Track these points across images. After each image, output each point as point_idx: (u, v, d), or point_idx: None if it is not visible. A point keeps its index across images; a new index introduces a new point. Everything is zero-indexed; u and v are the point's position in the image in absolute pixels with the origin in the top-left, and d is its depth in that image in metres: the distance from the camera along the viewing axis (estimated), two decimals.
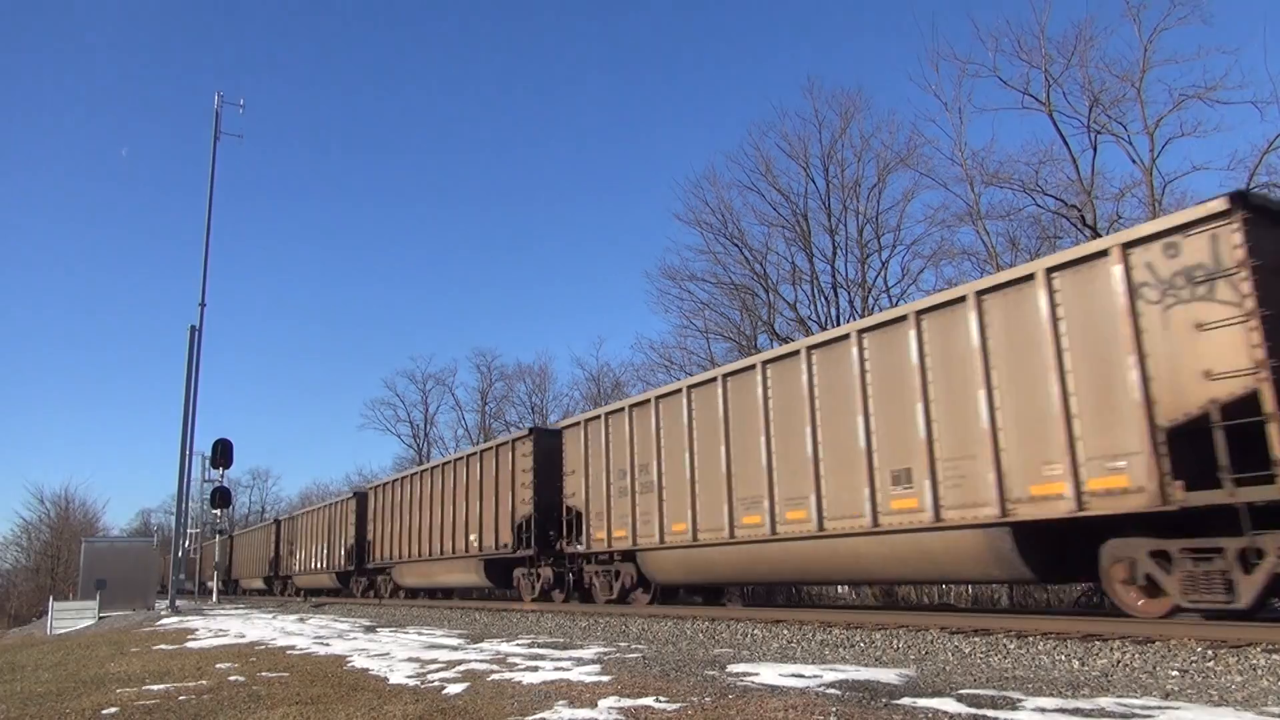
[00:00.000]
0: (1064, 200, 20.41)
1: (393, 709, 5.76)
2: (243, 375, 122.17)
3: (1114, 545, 8.29)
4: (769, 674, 6.33)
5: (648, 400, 14.66)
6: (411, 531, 23.94)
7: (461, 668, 7.58)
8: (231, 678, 7.94)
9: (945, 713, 4.68)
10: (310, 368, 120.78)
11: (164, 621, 18.99)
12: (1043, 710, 4.72)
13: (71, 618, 23.28)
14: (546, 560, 17.65)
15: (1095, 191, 19.85)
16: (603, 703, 5.39)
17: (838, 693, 5.38)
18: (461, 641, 10.30)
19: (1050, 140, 22.67)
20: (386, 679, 7.20)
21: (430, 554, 22.43)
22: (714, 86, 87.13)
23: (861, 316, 20.06)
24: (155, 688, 7.60)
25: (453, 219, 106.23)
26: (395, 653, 9.23)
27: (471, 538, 20.14)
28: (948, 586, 17.72)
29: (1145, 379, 7.74)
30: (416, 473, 24.74)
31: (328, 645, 10.69)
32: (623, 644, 9.47)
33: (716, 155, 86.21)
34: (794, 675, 6.21)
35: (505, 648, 9.21)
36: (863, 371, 10.52)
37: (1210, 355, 7.31)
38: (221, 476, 29.34)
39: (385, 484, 27.27)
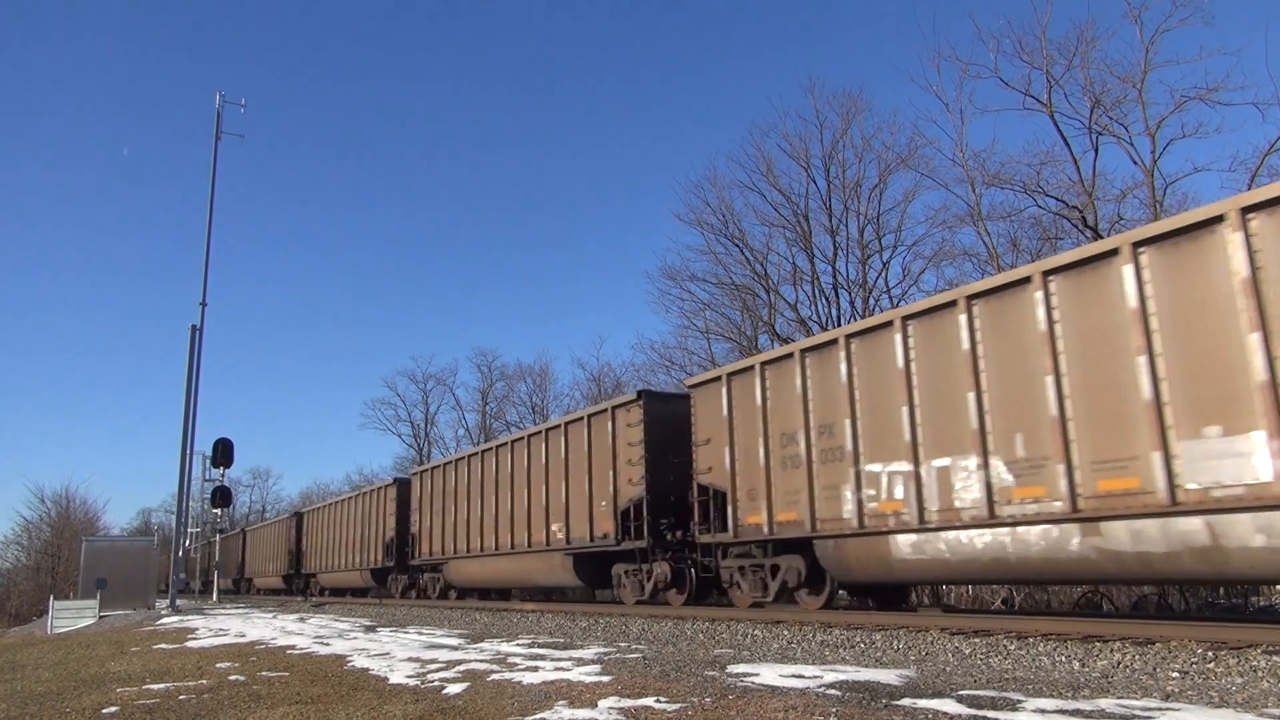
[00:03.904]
0: (1065, 201, 20.41)
1: (393, 709, 5.76)
2: (243, 375, 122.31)
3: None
4: (769, 674, 6.33)
5: None
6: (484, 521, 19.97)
7: (461, 668, 7.58)
8: (232, 677, 7.94)
9: (945, 713, 4.68)
10: (310, 368, 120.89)
11: (164, 621, 19.00)
12: (1043, 711, 4.72)
13: (72, 617, 23.23)
14: None
15: (1097, 193, 19.86)
16: (603, 703, 5.39)
17: (838, 693, 5.38)
18: (461, 641, 10.30)
19: (1051, 141, 22.71)
20: (387, 679, 7.20)
21: None
22: (715, 86, 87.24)
23: (862, 317, 19.92)
24: (155, 687, 7.61)
25: (453, 219, 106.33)
26: (395, 652, 9.23)
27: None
28: (948, 587, 17.68)
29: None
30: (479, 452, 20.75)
31: (328, 645, 10.69)
32: (623, 644, 9.47)
33: (717, 155, 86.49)
34: (794, 676, 6.20)
35: (505, 648, 9.21)
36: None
37: None
38: (222, 476, 29.45)
39: (434, 468, 23.44)
